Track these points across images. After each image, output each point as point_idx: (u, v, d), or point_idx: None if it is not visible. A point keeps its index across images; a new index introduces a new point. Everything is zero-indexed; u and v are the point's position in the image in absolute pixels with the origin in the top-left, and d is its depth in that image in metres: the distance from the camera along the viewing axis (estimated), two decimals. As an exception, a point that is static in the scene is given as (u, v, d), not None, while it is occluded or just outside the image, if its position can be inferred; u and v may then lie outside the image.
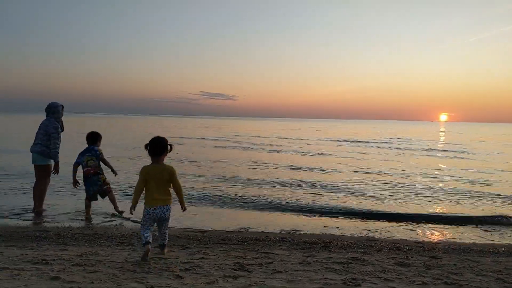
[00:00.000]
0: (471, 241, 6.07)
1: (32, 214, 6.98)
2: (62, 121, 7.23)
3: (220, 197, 8.84)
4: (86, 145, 7.05)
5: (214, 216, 7.32)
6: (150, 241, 4.29)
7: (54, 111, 7.08)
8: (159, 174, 4.34)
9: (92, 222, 6.62)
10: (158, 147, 4.39)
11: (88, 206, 7.01)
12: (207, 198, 8.80)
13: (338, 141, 31.89)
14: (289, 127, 68.89)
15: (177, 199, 4.52)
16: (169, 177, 4.37)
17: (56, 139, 6.96)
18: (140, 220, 4.56)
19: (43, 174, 7.03)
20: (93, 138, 7.08)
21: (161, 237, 4.58)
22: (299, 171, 13.42)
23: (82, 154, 6.96)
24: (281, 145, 25.49)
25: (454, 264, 4.45)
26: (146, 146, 4.42)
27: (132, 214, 4.43)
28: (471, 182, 11.97)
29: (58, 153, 7.02)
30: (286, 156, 18.97)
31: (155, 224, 4.48)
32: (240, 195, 9.09)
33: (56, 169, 7.01)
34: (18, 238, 5.33)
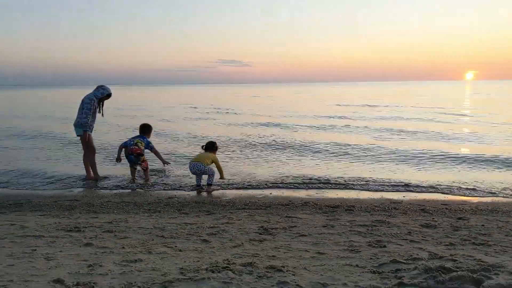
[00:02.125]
0: (500, 201, 5.97)
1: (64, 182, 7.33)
2: (102, 103, 7.59)
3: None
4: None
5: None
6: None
7: (98, 88, 7.54)
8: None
9: (133, 185, 7.11)
10: (210, 146, 7.24)
11: (133, 172, 7.55)
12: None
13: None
14: (343, 92, 65.36)
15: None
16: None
17: (88, 109, 7.27)
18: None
19: (83, 144, 7.50)
20: (145, 129, 7.80)
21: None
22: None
23: (132, 138, 7.56)
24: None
25: (482, 225, 4.40)
26: (202, 146, 7.36)
27: None
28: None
29: (88, 123, 7.30)
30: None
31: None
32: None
33: (83, 138, 7.31)
34: (50, 207, 5.55)
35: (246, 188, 6.85)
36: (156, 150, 7.85)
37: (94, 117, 7.43)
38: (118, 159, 7.48)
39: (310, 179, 7.33)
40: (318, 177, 7.43)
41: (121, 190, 6.84)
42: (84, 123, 7.26)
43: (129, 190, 6.82)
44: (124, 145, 7.43)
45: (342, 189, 6.77)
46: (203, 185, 6.89)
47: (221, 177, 7.17)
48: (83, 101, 7.36)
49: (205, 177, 6.97)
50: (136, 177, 7.53)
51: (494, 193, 6.43)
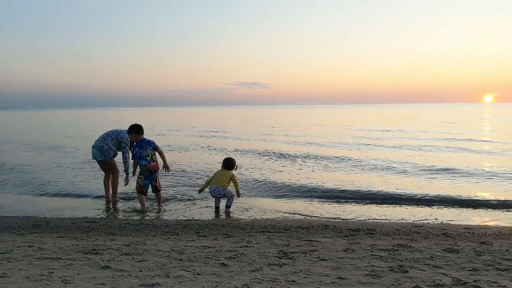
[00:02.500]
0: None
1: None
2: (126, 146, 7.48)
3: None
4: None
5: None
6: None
7: (131, 132, 7.24)
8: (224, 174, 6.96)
9: (145, 214, 6.80)
10: (229, 164, 7.08)
11: (142, 199, 6.96)
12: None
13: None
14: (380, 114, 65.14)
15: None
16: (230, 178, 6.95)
17: (127, 152, 7.33)
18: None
19: (104, 167, 7.54)
20: (142, 130, 7.13)
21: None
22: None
23: (139, 147, 6.89)
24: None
25: (506, 250, 4.26)
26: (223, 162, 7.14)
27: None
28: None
29: (110, 156, 7.37)
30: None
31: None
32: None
33: (105, 163, 7.42)
34: (68, 229, 5.58)
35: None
36: (162, 150, 7.19)
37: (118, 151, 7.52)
38: (134, 173, 7.05)
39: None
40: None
41: (139, 212, 6.84)
42: (107, 153, 7.29)
43: (147, 212, 6.83)
44: (140, 156, 6.83)
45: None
46: (226, 206, 6.90)
47: (238, 195, 6.96)
48: (117, 134, 7.34)
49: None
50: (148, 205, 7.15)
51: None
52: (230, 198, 6.89)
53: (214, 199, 7.03)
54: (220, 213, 6.75)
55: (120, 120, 49.50)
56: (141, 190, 6.91)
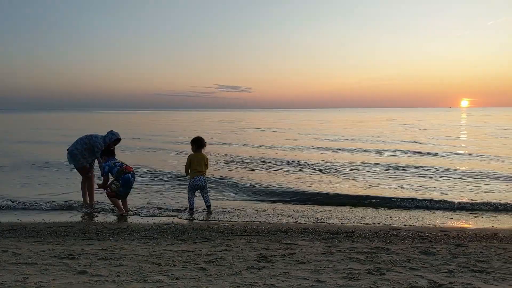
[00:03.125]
0: (497, 228, 5.94)
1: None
2: (113, 148, 7.34)
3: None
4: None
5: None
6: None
7: (108, 133, 7.34)
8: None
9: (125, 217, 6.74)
10: (202, 143, 6.94)
11: (117, 201, 6.83)
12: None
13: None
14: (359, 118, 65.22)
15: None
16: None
17: (99, 155, 7.22)
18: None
19: (82, 172, 7.44)
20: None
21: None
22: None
23: (109, 159, 6.82)
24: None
25: (481, 252, 4.36)
26: (194, 142, 6.95)
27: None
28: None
29: (82, 162, 7.30)
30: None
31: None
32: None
33: (84, 170, 7.38)
34: (45, 233, 5.46)
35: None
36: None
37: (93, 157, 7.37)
38: (104, 186, 6.78)
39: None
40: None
41: (117, 216, 6.75)
42: (77, 158, 7.21)
43: (126, 216, 6.74)
44: (110, 169, 6.68)
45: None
46: (207, 205, 6.97)
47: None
48: (90, 139, 7.23)
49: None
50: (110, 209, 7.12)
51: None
52: (207, 192, 7.00)
53: (189, 196, 6.97)
54: (196, 215, 6.75)
55: (87, 123, 49.04)
56: (114, 195, 6.76)
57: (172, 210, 7.09)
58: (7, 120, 61.50)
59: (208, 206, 7.02)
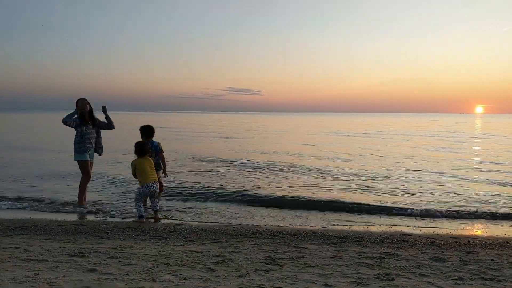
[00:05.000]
0: (509, 236, 5.86)
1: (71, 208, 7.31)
2: (83, 114, 7.20)
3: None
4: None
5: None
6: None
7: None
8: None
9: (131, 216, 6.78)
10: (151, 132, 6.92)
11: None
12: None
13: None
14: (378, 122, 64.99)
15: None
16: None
17: (76, 134, 7.21)
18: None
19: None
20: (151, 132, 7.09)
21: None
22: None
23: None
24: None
25: (492, 259, 4.31)
26: (142, 130, 6.88)
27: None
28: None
29: (75, 148, 7.20)
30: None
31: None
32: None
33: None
34: (56, 231, 5.53)
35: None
36: (164, 155, 7.10)
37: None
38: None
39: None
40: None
41: (127, 216, 6.79)
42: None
43: (135, 216, 6.78)
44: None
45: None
46: (154, 210, 6.47)
47: (165, 175, 6.98)
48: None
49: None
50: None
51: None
52: (158, 198, 6.58)
53: (138, 201, 6.36)
54: (144, 219, 6.37)
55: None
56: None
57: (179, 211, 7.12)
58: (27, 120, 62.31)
59: (156, 211, 6.49)
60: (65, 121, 7.16)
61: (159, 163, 6.94)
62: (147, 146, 6.49)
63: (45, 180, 10.05)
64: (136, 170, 6.34)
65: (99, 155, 7.55)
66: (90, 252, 4.26)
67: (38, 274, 3.44)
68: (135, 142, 6.54)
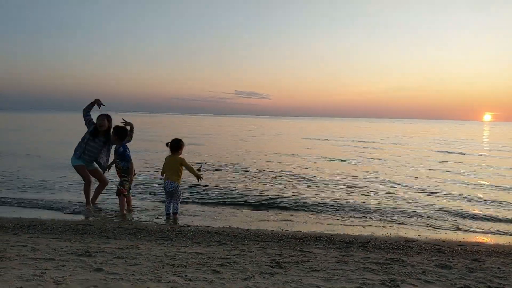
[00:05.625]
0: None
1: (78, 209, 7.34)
2: (88, 120, 7.31)
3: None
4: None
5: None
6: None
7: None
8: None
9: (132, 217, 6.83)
10: (176, 146, 6.68)
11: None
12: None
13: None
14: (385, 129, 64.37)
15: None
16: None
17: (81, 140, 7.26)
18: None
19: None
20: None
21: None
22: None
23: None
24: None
25: (498, 268, 4.27)
26: (167, 144, 6.69)
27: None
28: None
29: (74, 154, 7.23)
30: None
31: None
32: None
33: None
34: (63, 231, 5.58)
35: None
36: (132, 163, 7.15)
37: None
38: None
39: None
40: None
41: (134, 217, 6.84)
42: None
43: (142, 217, 6.82)
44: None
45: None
46: (172, 212, 6.79)
47: (197, 178, 6.71)
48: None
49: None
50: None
51: None
52: (178, 200, 6.76)
53: (166, 198, 6.81)
54: (170, 218, 6.70)
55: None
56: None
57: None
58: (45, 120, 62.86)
59: (174, 213, 6.80)
60: (84, 115, 7.29)
61: (126, 170, 6.97)
62: (180, 143, 6.69)
63: (53, 179, 10.14)
64: (165, 166, 6.74)
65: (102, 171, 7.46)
66: (97, 252, 4.29)
67: (45, 272, 3.48)
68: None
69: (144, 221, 6.55)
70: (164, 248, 4.65)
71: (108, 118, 7.22)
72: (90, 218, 6.75)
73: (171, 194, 6.72)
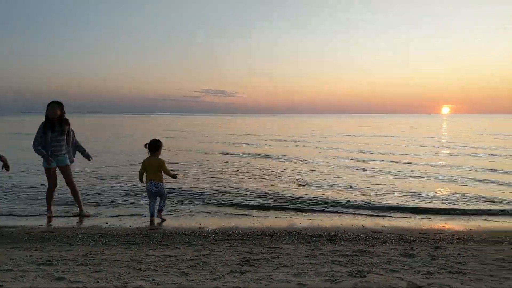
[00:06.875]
0: (474, 230, 6.05)
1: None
2: (48, 117, 6.63)
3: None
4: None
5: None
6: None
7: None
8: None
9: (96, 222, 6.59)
10: (155, 146, 6.52)
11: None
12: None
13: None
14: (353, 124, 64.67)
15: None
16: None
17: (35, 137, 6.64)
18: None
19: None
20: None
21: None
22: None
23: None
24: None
25: (458, 254, 4.45)
26: (145, 145, 6.55)
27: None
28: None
29: (34, 149, 6.62)
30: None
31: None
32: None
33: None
34: (22, 239, 5.34)
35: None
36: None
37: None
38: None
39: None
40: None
41: (99, 221, 6.61)
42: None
43: (108, 220, 6.62)
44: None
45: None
46: (158, 210, 6.66)
47: (173, 177, 6.57)
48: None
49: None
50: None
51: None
52: (163, 199, 6.66)
53: (149, 201, 6.62)
54: (154, 219, 6.54)
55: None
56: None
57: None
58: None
59: (159, 211, 6.67)
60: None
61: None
62: (159, 143, 6.56)
63: (10, 183, 9.70)
64: (145, 168, 6.55)
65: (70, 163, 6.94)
66: (59, 260, 4.12)
67: (2, 285, 3.31)
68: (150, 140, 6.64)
69: (109, 226, 6.36)
70: (130, 252, 4.53)
71: (56, 104, 6.66)
72: (52, 225, 6.48)
73: (156, 194, 6.57)
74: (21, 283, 3.37)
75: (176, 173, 6.69)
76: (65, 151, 6.79)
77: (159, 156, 6.57)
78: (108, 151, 18.04)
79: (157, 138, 6.72)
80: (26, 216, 6.99)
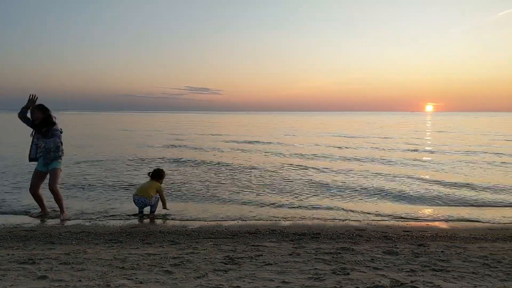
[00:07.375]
0: (458, 228, 6.15)
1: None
2: (28, 118, 6.58)
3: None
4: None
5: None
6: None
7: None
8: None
9: (80, 220, 6.52)
10: (156, 175, 7.05)
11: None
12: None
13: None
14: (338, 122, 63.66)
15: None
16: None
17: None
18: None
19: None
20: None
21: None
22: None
23: None
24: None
25: (442, 251, 4.51)
26: (149, 173, 7.15)
27: None
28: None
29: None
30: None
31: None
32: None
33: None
34: (4, 238, 5.25)
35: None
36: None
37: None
38: None
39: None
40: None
41: (82, 219, 6.54)
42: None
43: (91, 219, 6.55)
44: None
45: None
46: (145, 213, 6.83)
47: (164, 207, 6.95)
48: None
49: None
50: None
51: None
52: (154, 205, 6.84)
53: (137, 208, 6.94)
54: (144, 218, 6.67)
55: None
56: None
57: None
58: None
59: (152, 212, 6.85)
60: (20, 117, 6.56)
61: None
62: (161, 173, 7.12)
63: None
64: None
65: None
66: (41, 259, 4.07)
67: (-17, 284, 3.26)
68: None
69: (92, 224, 6.29)
70: (113, 251, 4.49)
71: (37, 106, 6.51)
72: (34, 223, 6.38)
73: (142, 207, 6.87)
74: (2, 282, 3.31)
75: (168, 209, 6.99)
76: (53, 154, 6.58)
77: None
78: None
79: (161, 168, 7.34)
80: (9, 214, 6.89)
